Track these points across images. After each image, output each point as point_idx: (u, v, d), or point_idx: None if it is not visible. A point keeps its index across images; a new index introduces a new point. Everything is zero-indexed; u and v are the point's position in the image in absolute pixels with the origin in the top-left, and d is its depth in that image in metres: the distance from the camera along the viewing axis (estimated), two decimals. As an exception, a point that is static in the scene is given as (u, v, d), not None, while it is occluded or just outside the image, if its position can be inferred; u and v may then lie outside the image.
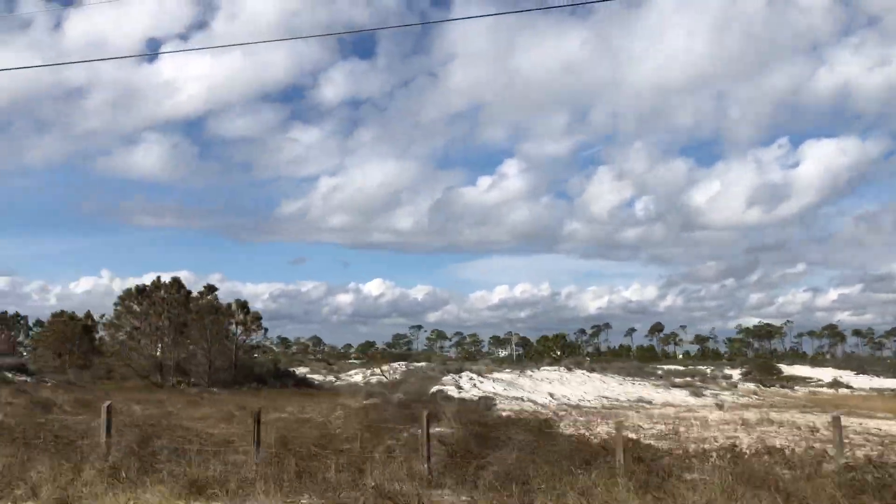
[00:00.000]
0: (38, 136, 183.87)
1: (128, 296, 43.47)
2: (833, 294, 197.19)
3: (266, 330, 39.62)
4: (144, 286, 43.10)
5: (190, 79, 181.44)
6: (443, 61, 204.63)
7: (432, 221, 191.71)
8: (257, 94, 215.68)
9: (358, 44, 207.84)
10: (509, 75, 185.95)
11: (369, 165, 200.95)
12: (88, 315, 60.34)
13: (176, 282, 43.02)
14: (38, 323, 67.76)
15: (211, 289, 42.98)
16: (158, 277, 43.93)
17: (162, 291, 43.50)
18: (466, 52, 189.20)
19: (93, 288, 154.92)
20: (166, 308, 41.53)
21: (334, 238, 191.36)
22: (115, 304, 45.71)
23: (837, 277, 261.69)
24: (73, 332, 57.22)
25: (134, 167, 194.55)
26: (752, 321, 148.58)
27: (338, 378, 49.71)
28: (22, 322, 61.68)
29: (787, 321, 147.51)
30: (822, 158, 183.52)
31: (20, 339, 62.66)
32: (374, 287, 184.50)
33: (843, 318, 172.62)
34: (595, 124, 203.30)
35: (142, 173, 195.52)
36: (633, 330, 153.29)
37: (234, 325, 41.32)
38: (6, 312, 60.78)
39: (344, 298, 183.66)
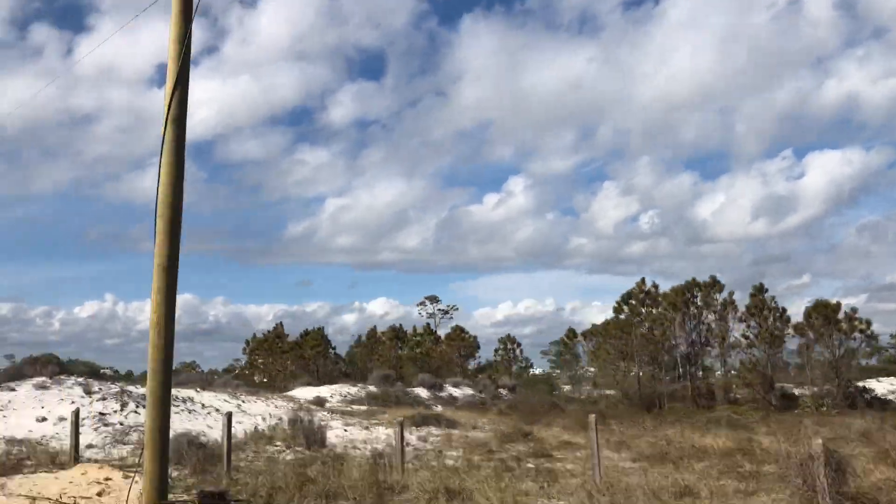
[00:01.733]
0: (46, 163, 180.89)
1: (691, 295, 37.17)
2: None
3: (877, 338, 34.77)
4: (691, 286, 37.61)
5: (199, 103, 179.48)
6: (451, 80, 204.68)
7: (438, 240, 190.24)
8: (266, 116, 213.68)
9: (366, 64, 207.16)
10: (517, 93, 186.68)
11: (376, 185, 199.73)
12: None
13: (714, 281, 37.43)
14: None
15: (761, 289, 36.78)
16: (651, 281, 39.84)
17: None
18: (475, 71, 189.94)
19: (97, 312, 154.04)
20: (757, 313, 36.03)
21: (340, 258, 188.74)
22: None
23: (842, 288, 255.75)
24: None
25: (142, 192, 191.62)
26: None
27: None
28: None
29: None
30: (827, 169, 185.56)
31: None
32: (377, 306, 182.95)
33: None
34: (601, 140, 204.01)
35: (150, 198, 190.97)
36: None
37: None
38: (321, 328, 59.53)
39: (348, 318, 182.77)
